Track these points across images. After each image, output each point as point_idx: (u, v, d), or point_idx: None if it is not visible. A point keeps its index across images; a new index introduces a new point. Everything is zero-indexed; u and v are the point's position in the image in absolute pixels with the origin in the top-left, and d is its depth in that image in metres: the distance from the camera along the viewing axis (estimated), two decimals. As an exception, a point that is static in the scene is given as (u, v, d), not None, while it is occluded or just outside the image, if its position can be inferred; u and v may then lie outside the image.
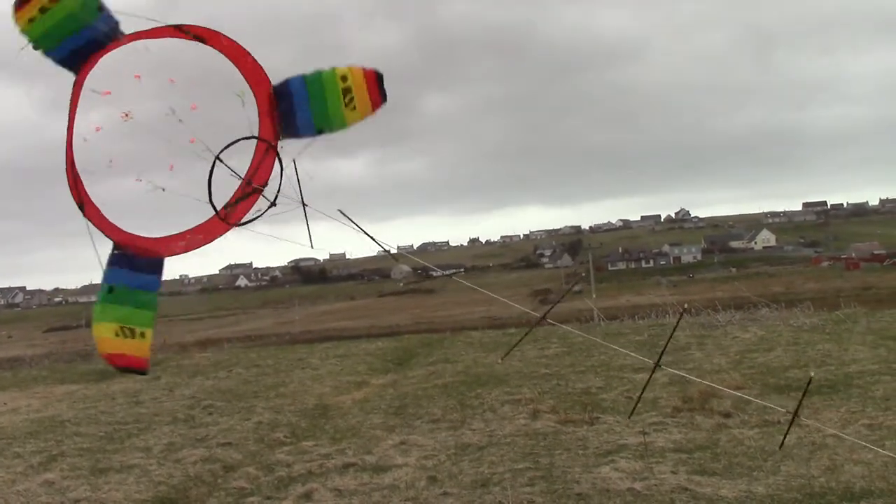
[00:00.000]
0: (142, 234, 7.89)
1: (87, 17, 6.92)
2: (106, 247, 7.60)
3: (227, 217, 7.92)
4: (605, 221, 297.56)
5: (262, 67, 7.90)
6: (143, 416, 16.98)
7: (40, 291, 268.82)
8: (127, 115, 7.43)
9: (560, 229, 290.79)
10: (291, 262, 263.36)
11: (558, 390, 15.94)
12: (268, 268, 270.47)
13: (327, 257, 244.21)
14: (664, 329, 24.07)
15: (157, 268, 7.81)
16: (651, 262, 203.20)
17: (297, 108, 7.95)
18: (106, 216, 7.67)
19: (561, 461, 10.88)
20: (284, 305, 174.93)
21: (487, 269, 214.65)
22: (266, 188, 8.11)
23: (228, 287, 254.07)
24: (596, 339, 16.51)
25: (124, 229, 7.80)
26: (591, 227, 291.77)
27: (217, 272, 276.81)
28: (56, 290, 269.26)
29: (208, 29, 7.45)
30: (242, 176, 7.99)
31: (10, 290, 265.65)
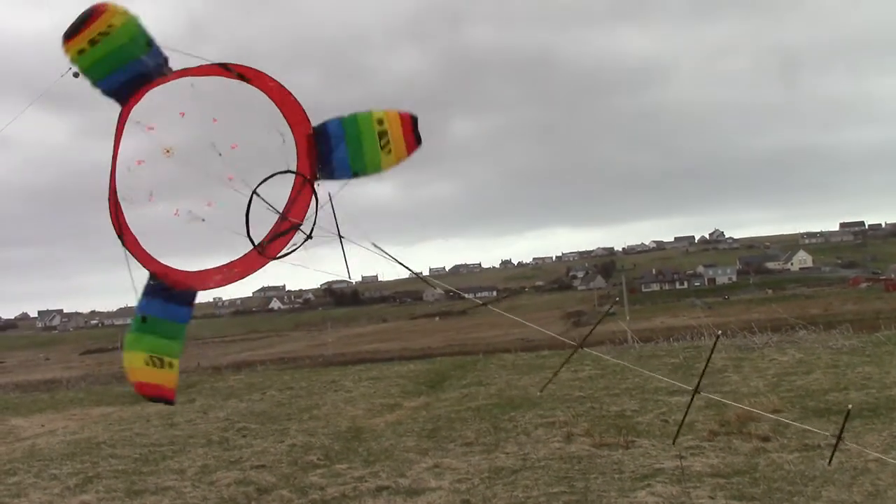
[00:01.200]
0: (178, 268, 8.01)
1: (136, 51, 7.05)
2: (142, 275, 7.71)
3: (264, 251, 8.01)
4: (639, 243, 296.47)
5: (302, 108, 8.01)
6: (178, 439, 17.07)
7: (77, 314, 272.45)
8: (168, 152, 7.58)
9: (593, 251, 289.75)
10: (324, 284, 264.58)
11: (592, 413, 15.79)
12: (301, 290, 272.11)
13: (360, 280, 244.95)
14: (699, 351, 23.78)
15: (190, 300, 7.94)
16: (685, 283, 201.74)
17: (334, 150, 8.04)
18: (143, 246, 7.80)
19: (596, 485, 10.75)
20: (317, 328, 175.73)
21: (520, 292, 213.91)
22: (302, 221, 8.19)
23: (262, 309, 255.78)
24: (629, 366, 16.35)
25: (161, 261, 7.92)
26: (624, 249, 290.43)
27: (251, 295, 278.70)
28: (93, 312, 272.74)
29: (252, 68, 7.58)
30: (280, 211, 8.08)
31: (48, 312, 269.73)
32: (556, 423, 14.86)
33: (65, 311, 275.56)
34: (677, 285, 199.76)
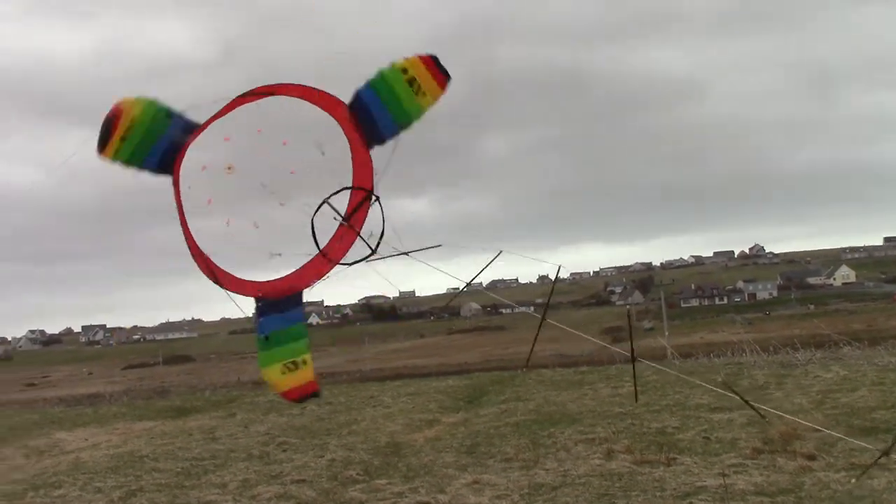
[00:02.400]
0: (272, 279, 8.35)
1: (161, 127, 7.54)
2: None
3: (329, 256, 8.31)
4: (677, 258, 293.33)
5: (330, 94, 8.20)
6: (219, 453, 17.22)
7: (120, 329, 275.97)
8: (230, 169, 7.93)
9: (630, 266, 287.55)
10: (362, 300, 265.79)
11: (633, 430, 15.66)
12: (339, 306, 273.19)
13: (397, 295, 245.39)
14: (741, 368, 23.50)
15: (299, 300, 8.33)
16: (725, 298, 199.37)
17: (376, 116, 8.18)
18: (238, 277, 8.25)
19: (638, 503, 10.66)
20: (355, 343, 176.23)
21: (557, 307, 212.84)
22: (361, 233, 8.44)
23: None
24: (697, 381, 16.20)
25: (256, 280, 8.31)
26: (662, 264, 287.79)
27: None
28: (135, 327, 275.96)
29: (271, 85, 7.85)
30: (343, 218, 8.37)
31: (91, 327, 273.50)
32: (595, 440, 14.77)
33: (108, 325, 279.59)
34: (717, 301, 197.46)
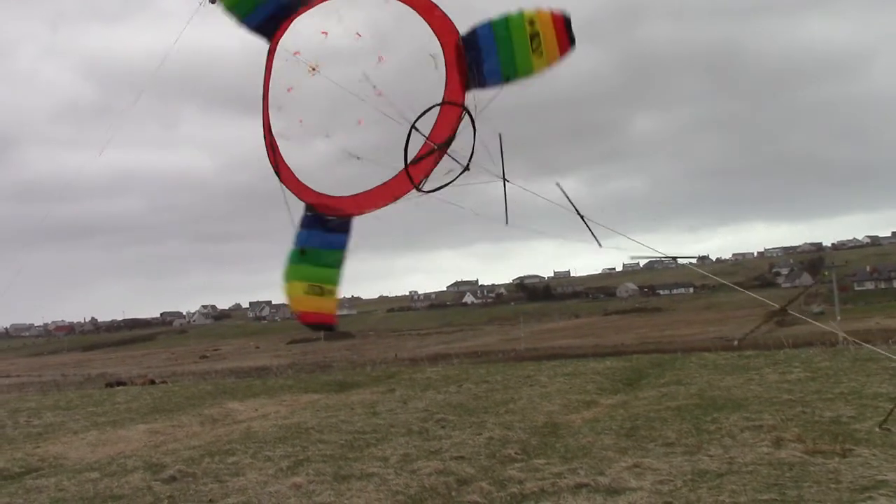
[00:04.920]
0: (331, 195, 8.07)
1: None
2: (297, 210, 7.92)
3: (413, 175, 7.96)
4: (850, 238, 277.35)
5: (450, 19, 7.84)
6: (380, 427, 17.66)
7: (284, 305, 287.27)
8: (314, 69, 7.68)
9: (798, 246, 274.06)
10: (516, 279, 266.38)
11: (804, 418, 14.89)
12: (493, 285, 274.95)
13: (552, 275, 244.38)
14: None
15: (346, 227, 8.01)
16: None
17: (484, 57, 7.82)
18: (299, 178, 7.96)
19: (810, 494, 10.10)
20: (510, 322, 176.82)
21: (719, 288, 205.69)
22: (453, 151, 8.06)
23: (456, 303, 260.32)
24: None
25: (315, 190, 8.03)
26: (833, 245, 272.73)
27: (445, 289, 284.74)
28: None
29: None
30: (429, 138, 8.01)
31: (258, 304, 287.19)
32: (763, 427, 14.14)
33: (273, 302, 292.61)
34: (895, 283, 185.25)
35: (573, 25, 7.90)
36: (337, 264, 8.01)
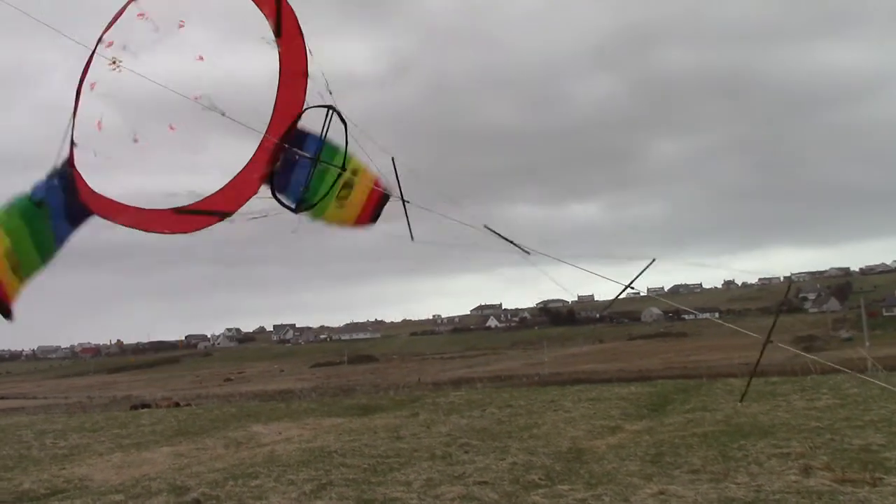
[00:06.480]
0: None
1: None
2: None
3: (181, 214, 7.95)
4: (879, 262, 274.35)
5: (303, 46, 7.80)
6: (403, 451, 17.59)
7: (308, 329, 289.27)
8: (115, 63, 8.14)
9: (825, 271, 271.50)
10: (540, 303, 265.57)
11: (832, 445, 14.68)
12: (517, 309, 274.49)
13: (575, 299, 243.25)
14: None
15: (81, 220, 7.66)
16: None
17: (296, 165, 7.65)
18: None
19: (840, 524, 9.97)
20: (533, 346, 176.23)
21: (745, 313, 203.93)
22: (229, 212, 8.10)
23: (479, 327, 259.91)
24: None
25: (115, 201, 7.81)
26: (861, 269, 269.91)
27: (468, 313, 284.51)
28: (322, 327, 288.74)
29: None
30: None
31: (282, 326, 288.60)
32: (791, 455, 13.96)
33: (297, 325, 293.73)
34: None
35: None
36: (46, 253, 7.49)
